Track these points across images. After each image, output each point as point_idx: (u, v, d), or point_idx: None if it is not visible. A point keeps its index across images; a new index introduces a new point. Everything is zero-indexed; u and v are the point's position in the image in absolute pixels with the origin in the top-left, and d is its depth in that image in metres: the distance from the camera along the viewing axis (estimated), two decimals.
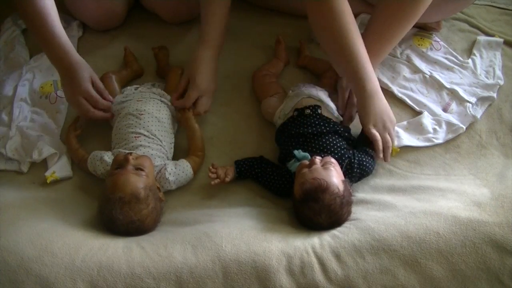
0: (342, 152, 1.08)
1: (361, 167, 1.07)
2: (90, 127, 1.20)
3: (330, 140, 1.09)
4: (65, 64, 1.14)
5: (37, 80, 1.30)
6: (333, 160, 1.02)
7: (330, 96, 1.19)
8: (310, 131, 1.10)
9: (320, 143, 1.08)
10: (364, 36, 1.13)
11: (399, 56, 1.35)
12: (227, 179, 1.08)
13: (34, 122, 1.22)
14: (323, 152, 1.06)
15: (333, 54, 1.17)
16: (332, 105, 1.16)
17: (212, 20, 1.20)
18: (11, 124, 1.21)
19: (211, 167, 1.08)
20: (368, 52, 1.11)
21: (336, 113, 1.16)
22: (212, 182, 1.06)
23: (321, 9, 1.10)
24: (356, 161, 1.07)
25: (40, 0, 1.10)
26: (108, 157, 1.09)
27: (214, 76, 1.21)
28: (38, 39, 1.15)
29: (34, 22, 1.12)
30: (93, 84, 1.17)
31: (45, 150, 1.14)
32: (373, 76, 1.10)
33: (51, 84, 1.28)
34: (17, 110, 1.23)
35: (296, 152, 1.06)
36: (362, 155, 1.08)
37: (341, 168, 1.04)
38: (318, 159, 1.02)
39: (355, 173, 1.07)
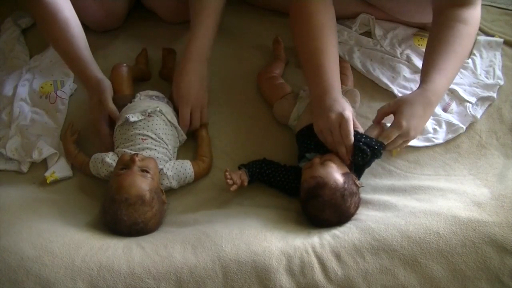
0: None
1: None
2: (87, 129, 1.20)
3: None
4: (93, 84, 1.16)
5: (37, 80, 1.30)
6: (334, 156, 1.01)
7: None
8: None
9: None
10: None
11: (399, 56, 1.35)
12: (245, 184, 1.06)
13: (34, 122, 1.22)
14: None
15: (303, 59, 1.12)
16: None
17: (203, 33, 1.17)
18: (11, 124, 1.21)
19: (227, 174, 1.05)
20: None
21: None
22: (232, 189, 1.04)
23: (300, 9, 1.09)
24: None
25: (70, 27, 1.15)
26: (109, 158, 1.07)
27: (203, 86, 1.17)
28: (69, 65, 1.20)
29: (65, 48, 1.17)
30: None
31: (45, 150, 1.14)
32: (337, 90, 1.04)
33: (51, 84, 1.28)
34: (17, 110, 1.23)
35: (307, 154, 1.06)
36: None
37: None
38: (318, 157, 1.02)
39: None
